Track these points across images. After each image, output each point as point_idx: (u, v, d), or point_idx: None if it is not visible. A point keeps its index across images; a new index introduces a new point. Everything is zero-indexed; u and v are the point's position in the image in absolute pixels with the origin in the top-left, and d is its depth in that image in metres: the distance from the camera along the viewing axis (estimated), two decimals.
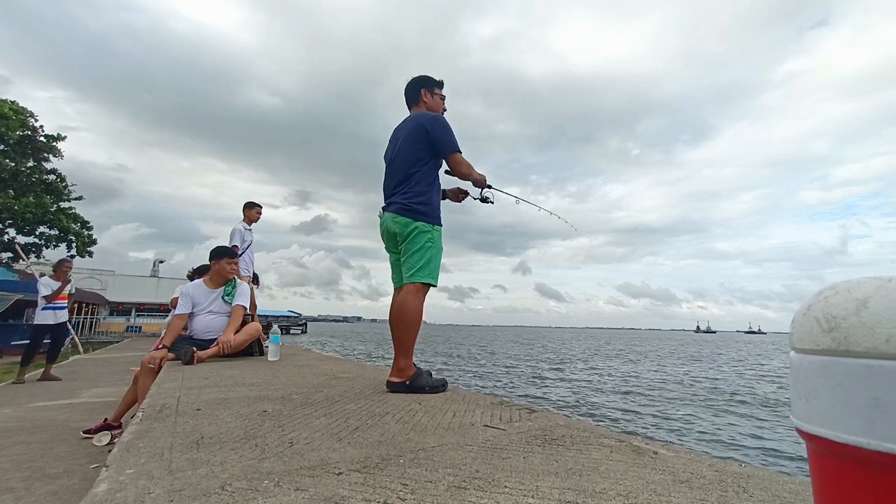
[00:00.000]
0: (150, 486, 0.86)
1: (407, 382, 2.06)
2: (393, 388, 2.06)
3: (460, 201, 2.57)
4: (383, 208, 2.37)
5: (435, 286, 2.21)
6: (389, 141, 2.50)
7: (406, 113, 2.53)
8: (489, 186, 2.51)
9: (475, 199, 2.53)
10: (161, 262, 35.00)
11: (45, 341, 6.69)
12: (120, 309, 28.76)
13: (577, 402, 10.53)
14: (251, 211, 5.64)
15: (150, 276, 32.74)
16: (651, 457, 1.12)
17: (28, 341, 6.73)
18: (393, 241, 2.31)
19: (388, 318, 2.23)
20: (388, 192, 2.37)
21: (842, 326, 0.31)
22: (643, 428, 7.99)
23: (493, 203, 2.54)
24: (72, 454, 2.96)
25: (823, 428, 0.32)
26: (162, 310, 27.76)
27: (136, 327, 27.23)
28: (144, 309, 29.40)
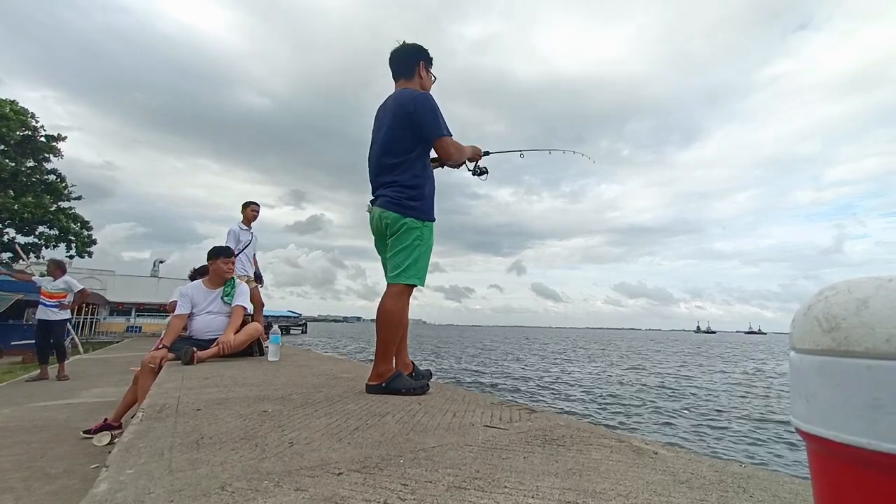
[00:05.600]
0: (150, 486, 0.86)
1: (384, 384, 1.99)
2: (370, 390, 2.00)
3: (458, 167, 2.36)
4: (371, 202, 2.20)
5: (421, 287, 2.10)
6: (374, 121, 2.27)
7: (391, 86, 2.26)
8: (486, 153, 2.39)
9: (469, 171, 2.39)
10: (161, 262, 34.94)
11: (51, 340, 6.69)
12: (120, 309, 28.75)
13: (577, 402, 10.52)
14: (247, 210, 5.64)
15: (150, 277, 32.72)
16: (651, 457, 1.12)
17: (36, 343, 6.75)
18: (382, 238, 2.16)
19: None
20: (375, 182, 2.19)
21: (842, 326, 0.31)
22: (643, 428, 7.98)
23: (487, 177, 2.41)
24: (72, 454, 2.96)
25: (823, 428, 0.32)
26: (162, 310, 27.74)
27: (136, 327, 27.22)
28: (144, 309, 29.39)
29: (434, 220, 2.17)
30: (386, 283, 2.13)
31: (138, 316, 29.07)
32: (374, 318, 2.11)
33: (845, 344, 0.31)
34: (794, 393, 0.35)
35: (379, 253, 2.26)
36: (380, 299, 2.09)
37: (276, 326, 3.75)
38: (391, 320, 2.03)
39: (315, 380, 2.45)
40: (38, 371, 6.55)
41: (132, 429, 1.33)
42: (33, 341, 7.22)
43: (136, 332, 26.27)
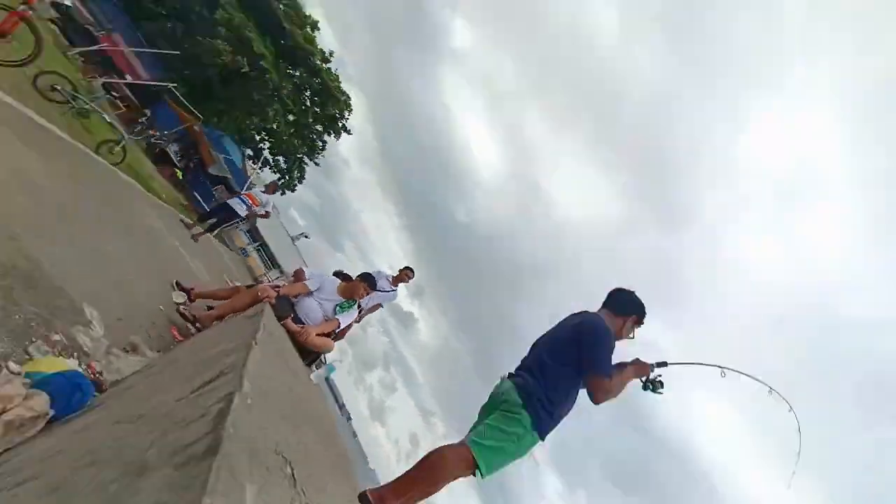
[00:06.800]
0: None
1: None
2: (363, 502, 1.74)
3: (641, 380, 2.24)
4: (509, 374, 2.25)
5: (483, 476, 1.90)
6: (560, 321, 2.38)
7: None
8: (663, 364, 2.23)
9: (643, 385, 2.24)
10: (306, 237, 35.86)
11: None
12: (250, 233, 32.09)
13: None
14: (402, 272, 5.63)
15: (287, 236, 34.87)
16: None
17: (211, 210, 8.22)
18: (493, 408, 2.11)
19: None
20: (524, 365, 2.25)
21: None
22: None
23: (662, 392, 2.20)
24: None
25: None
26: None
27: (246, 252, 29.78)
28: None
29: (543, 440, 2.07)
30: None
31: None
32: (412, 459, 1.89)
33: None
34: None
35: (479, 414, 2.23)
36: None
37: (333, 363, 3.83)
38: (436, 468, 1.88)
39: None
40: (193, 222, 7.86)
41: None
42: (208, 209, 8.70)
43: (243, 254, 28.67)
